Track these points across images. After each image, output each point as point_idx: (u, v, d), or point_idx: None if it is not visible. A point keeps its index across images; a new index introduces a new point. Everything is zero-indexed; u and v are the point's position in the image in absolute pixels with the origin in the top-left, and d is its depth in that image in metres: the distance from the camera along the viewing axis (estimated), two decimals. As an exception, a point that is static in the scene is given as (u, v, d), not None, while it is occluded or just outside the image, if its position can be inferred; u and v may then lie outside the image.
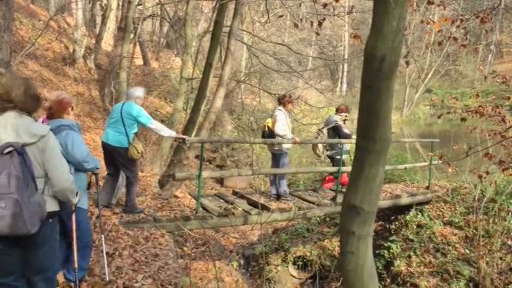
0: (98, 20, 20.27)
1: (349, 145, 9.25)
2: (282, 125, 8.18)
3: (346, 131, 9.12)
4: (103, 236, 4.80)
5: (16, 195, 2.82)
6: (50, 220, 3.19)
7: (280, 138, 8.17)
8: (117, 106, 6.74)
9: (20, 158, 2.89)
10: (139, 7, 17.83)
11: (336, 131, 9.12)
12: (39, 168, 3.06)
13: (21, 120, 3.03)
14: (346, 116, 9.40)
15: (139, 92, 6.79)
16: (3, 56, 6.17)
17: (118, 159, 6.50)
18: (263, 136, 8.55)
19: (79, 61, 16.16)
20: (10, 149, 2.88)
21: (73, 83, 14.59)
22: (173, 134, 6.98)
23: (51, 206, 3.18)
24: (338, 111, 9.40)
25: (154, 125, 6.61)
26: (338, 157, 8.90)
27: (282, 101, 8.51)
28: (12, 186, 2.83)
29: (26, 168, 2.92)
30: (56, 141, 3.20)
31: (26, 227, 2.88)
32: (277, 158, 8.51)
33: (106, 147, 6.54)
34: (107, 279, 4.58)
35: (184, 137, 7.22)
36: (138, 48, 20.50)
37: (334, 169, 9.11)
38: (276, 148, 8.40)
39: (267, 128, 8.43)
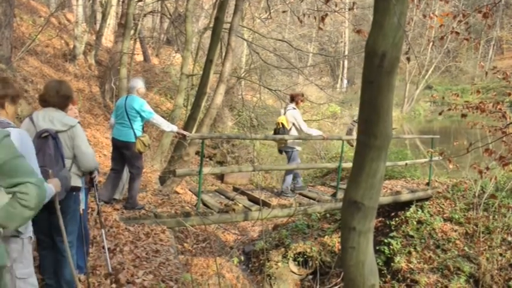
0: (99, 16, 20.22)
1: None
2: (303, 121, 8.38)
3: None
4: (103, 230, 4.82)
5: (48, 168, 3.44)
6: (74, 193, 3.92)
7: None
8: (120, 100, 6.77)
9: (53, 141, 3.67)
10: (140, 3, 17.81)
11: None
12: (68, 151, 3.83)
13: (56, 113, 3.83)
14: None
15: (139, 83, 6.80)
16: (4, 52, 6.17)
17: (125, 154, 6.56)
18: (276, 133, 8.51)
19: (79, 57, 16.12)
20: (46, 133, 3.66)
21: (73, 79, 14.56)
22: (175, 128, 6.98)
23: (75, 182, 3.91)
24: None
25: (156, 119, 6.64)
26: None
27: (295, 98, 8.55)
28: (46, 162, 3.54)
29: (57, 149, 3.68)
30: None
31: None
32: (289, 155, 8.55)
33: (115, 142, 6.64)
34: (110, 270, 4.62)
35: (185, 133, 7.24)
36: (138, 44, 20.47)
37: (334, 165, 9.11)
38: (288, 145, 8.43)
39: (280, 125, 8.35)
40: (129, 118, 6.47)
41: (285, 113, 8.49)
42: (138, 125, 6.54)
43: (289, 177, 8.68)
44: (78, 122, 3.93)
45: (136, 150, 6.44)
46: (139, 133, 6.51)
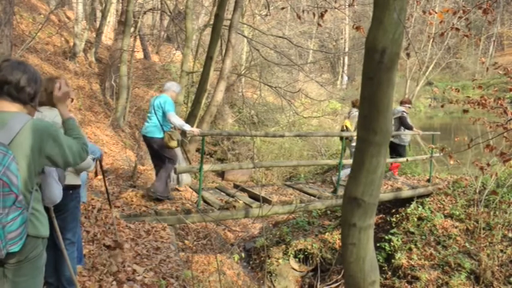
0: (98, 13, 20.21)
1: (409, 136, 10.15)
2: None
3: (409, 121, 9.94)
4: (113, 210, 4.93)
5: None
6: (70, 191, 3.86)
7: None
8: (152, 99, 7.10)
9: None
10: (140, 1, 17.80)
11: (400, 121, 9.90)
12: None
13: (48, 112, 3.70)
14: (409, 106, 10.23)
15: (174, 86, 7.16)
16: (4, 50, 6.15)
17: (155, 149, 6.89)
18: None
19: (79, 55, 16.11)
20: None
21: (73, 77, 14.55)
22: (188, 127, 7.09)
23: (71, 180, 3.87)
24: (402, 103, 10.20)
25: (173, 117, 6.78)
26: (403, 144, 9.94)
27: (356, 104, 9.34)
28: None
29: None
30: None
31: None
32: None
33: (144, 138, 7.00)
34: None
35: (196, 130, 7.31)
36: (138, 42, 20.45)
37: (334, 162, 9.14)
38: (353, 144, 9.06)
39: (345, 128, 9.24)
40: (156, 115, 6.79)
41: (348, 117, 9.34)
42: (164, 120, 6.80)
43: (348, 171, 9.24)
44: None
45: (165, 145, 6.73)
46: (166, 128, 6.81)
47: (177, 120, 6.81)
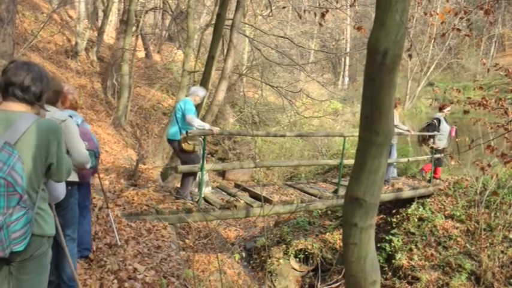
0: (100, 13, 20.24)
1: (445, 140, 10.20)
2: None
3: (444, 124, 10.10)
4: (109, 210, 5.04)
5: None
6: (69, 188, 3.78)
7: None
8: (176, 102, 7.21)
9: None
10: (142, 0, 17.80)
11: (428, 126, 10.32)
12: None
13: (48, 109, 3.50)
14: (448, 110, 10.30)
15: (199, 92, 7.24)
16: (7, 49, 6.18)
17: (175, 151, 7.08)
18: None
19: (81, 54, 16.14)
20: None
21: (75, 76, 14.57)
22: (207, 127, 7.10)
23: (70, 177, 3.64)
24: (440, 109, 10.38)
25: (193, 120, 6.81)
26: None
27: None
28: None
29: None
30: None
31: None
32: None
33: (167, 141, 7.18)
34: (118, 243, 4.87)
35: (216, 129, 7.36)
36: (140, 41, 20.47)
37: (335, 162, 9.13)
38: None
39: None
40: (176, 117, 6.85)
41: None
42: (183, 123, 6.84)
43: (390, 168, 9.96)
44: (70, 116, 3.84)
45: (181, 148, 6.77)
46: (185, 130, 6.80)
47: (196, 122, 6.85)
